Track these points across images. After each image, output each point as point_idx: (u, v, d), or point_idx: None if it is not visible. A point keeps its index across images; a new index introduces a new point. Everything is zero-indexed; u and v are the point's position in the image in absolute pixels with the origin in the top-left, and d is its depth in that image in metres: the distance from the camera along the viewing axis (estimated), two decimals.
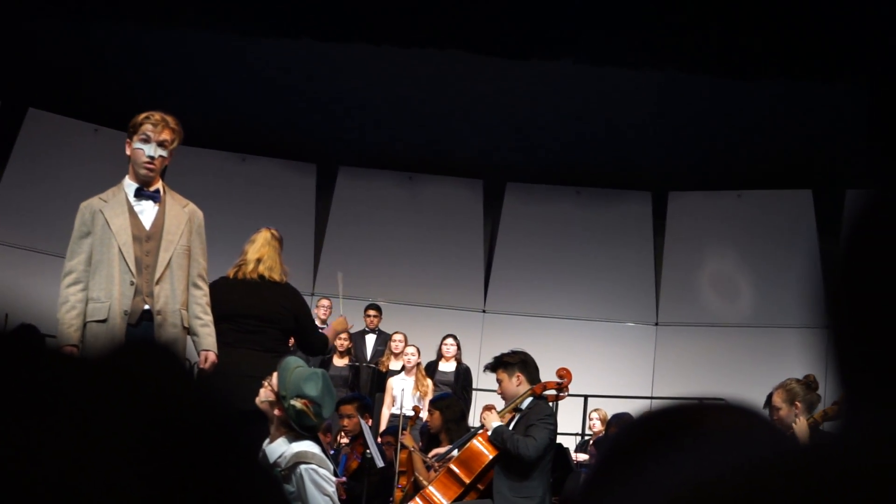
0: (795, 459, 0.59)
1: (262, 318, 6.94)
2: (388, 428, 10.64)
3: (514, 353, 7.58)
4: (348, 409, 9.47)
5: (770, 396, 6.40)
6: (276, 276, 7.08)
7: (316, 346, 7.42)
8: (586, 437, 12.51)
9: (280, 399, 4.84)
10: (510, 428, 7.34)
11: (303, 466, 4.74)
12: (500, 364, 7.54)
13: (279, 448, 4.82)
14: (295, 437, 4.86)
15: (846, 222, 0.71)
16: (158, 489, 0.56)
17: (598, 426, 12.26)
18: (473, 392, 13.15)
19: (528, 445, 7.12)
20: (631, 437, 0.71)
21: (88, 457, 0.56)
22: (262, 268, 7.04)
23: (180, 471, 0.58)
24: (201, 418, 0.60)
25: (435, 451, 8.61)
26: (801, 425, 6.05)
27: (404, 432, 9.32)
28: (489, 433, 7.35)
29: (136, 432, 0.57)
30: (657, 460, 0.67)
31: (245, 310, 6.92)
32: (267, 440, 4.85)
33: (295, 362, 5.05)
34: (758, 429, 0.69)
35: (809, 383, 6.33)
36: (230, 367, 6.26)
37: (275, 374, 4.95)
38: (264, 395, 4.91)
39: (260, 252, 7.09)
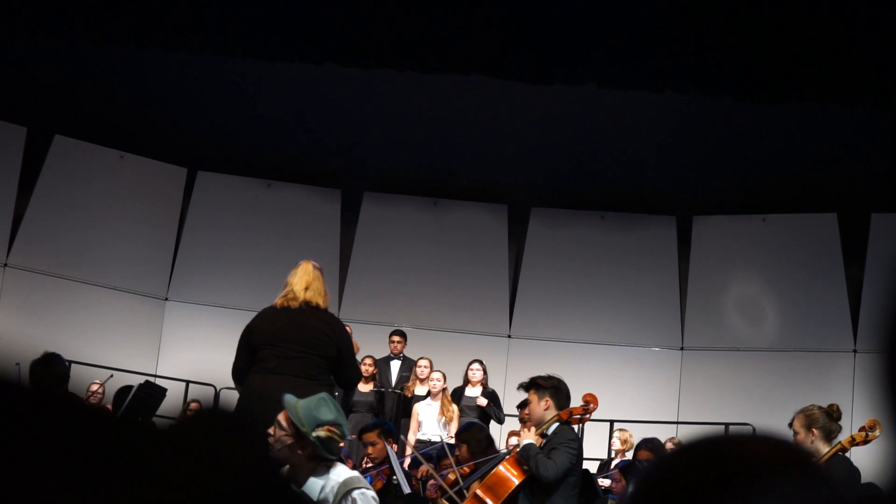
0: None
1: (304, 343, 6.88)
2: (417, 459, 10.51)
3: (549, 378, 7.59)
4: (370, 436, 9.37)
5: (792, 420, 6.39)
6: (322, 304, 7.09)
7: (354, 380, 7.38)
8: (611, 459, 12.46)
9: (302, 436, 4.77)
10: None
11: (356, 491, 4.69)
12: (533, 385, 7.55)
13: (318, 483, 4.72)
14: (326, 466, 4.79)
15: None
16: None
17: (617, 444, 12.23)
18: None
19: (547, 466, 7.15)
20: (677, 472, 0.70)
21: None
22: (307, 295, 7.02)
23: None
24: (263, 484, 0.61)
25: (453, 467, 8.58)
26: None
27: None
28: (519, 447, 7.37)
29: (200, 496, 0.58)
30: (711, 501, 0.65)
31: (287, 334, 6.88)
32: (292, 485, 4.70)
33: (291, 398, 4.92)
34: (807, 471, 0.68)
35: (831, 412, 6.30)
36: (269, 392, 6.17)
37: (280, 418, 4.80)
38: (278, 443, 4.72)
39: (305, 281, 7.08)
